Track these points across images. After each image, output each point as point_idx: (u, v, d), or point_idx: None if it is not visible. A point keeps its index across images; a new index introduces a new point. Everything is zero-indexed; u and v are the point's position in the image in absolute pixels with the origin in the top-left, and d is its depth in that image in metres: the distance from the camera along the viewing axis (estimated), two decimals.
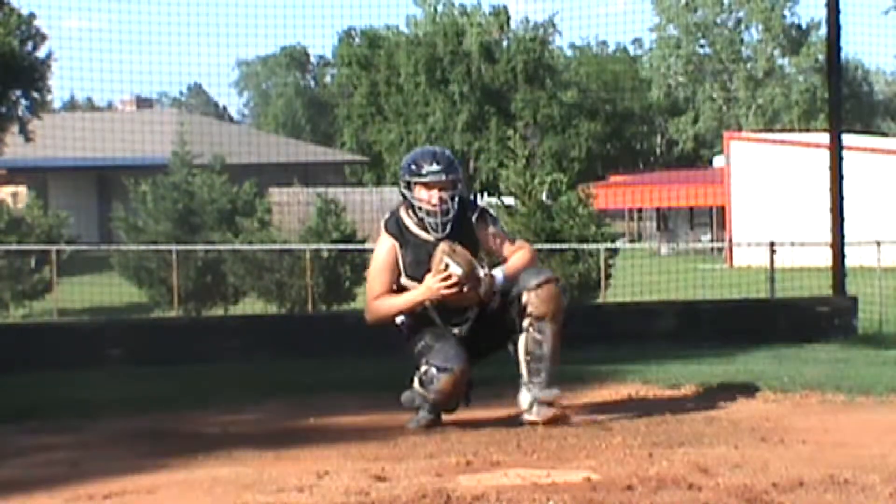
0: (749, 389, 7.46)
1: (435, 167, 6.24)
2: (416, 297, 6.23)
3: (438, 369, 6.10)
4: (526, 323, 6.18)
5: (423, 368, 6.16)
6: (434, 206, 6.20)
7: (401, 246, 6.28)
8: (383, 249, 6.34)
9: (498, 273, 6.24)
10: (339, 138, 69.52)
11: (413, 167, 6.28)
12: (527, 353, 6.19)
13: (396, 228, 6.31)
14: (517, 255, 6.36)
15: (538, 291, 6.13)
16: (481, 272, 6.17)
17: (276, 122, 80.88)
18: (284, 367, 9.56)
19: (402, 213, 6.32)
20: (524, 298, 6.16)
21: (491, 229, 6.37)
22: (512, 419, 6.27)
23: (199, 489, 4.91)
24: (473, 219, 6.32)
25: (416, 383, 6.21)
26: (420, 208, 6.23)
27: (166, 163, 30.37)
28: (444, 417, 6.38)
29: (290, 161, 47.09)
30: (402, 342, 6.40)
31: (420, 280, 6.22)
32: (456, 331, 6.27)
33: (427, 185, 6.22)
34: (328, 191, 31.64)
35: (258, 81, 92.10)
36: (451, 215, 6.21)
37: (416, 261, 6.22)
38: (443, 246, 6.15)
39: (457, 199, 6.26)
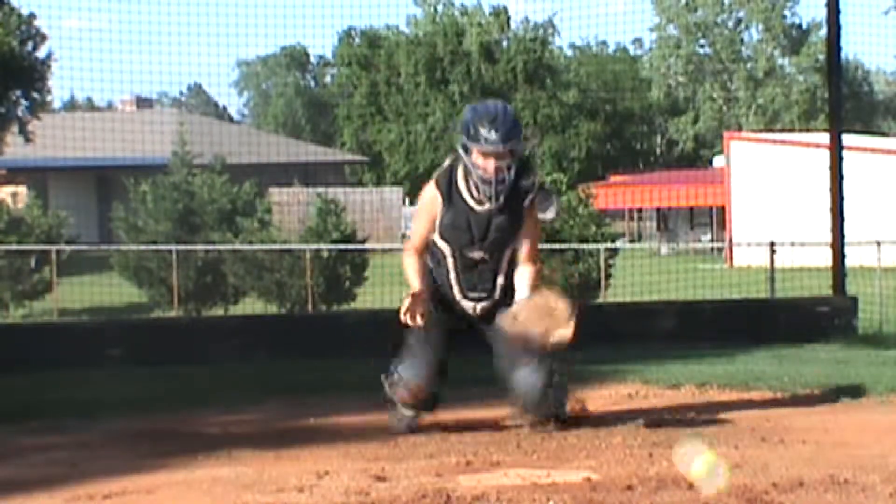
0: (749, 389, 7.46)
1: (493, 136, 5.91)
2: (412, 288, 6.08)
3: (403, 379, 6.08)
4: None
5: (394, 372, 6.15)
6: (490, 174, 5.95)
7: (444, 203, 6.07)
8: (427, 197, 6.15)
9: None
10: (339, 138, 69.49)
11: (471, 130, 5.98)
12: None
13: (447, 186, 6.07)
14: (533, 277, 6.08)
15: (531, 403, 5.99)
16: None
17: (276, 122, 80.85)
18: (284, 367, 9.56)
19: (459, 172, 6.05)
20: (516, 397, 6.05)
21: (530, 221, 6.10)
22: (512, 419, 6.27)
23: (199, 489, 4.91)
24: (527, 202, 6.04)
25: (386, 382, 6.20)
26: (475, 173, 5.99)
27: (166, 163, 30.36)
28: (440, 417, 6.39)
29: (290, 161, 47.06)
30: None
31: (451, 244, 6.06)
32: (470, 306, 6.14)
33: (484, 153, 5.96)
34: (328, 191, 31.63)
35: (258, 81, 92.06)
36: (506, 184, 5.97)
37: (454, 225, 6.05)
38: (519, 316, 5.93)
39: (513, 168, 5.97)
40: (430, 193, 6.15)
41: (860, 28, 22.64)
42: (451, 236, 6.09)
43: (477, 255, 6.07)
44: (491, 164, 5.96)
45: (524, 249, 6.13)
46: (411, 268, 6.16)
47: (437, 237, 6.14)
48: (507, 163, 5.97)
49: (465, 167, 6.03)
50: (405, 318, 5.98)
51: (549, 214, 6.17)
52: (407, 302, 5.99)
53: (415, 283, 6.10)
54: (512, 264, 6.13)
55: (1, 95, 39.03)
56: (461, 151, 6.04)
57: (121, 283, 26.58)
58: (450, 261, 6.12)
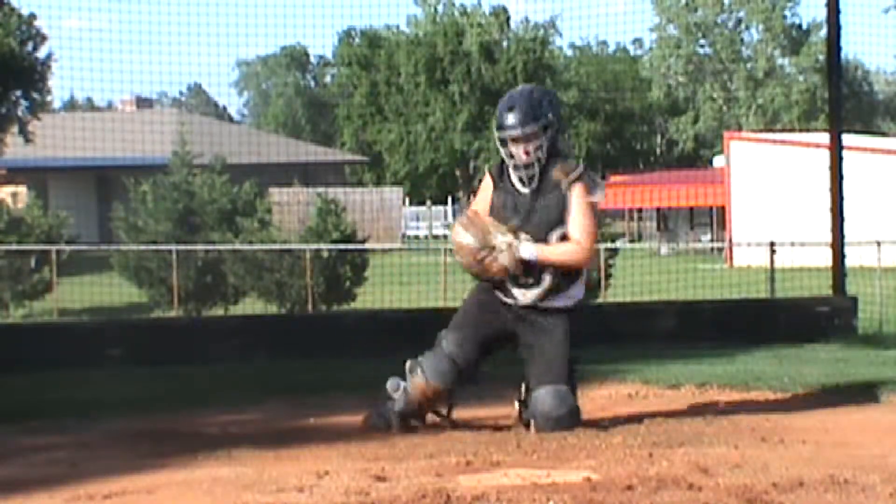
0: (749, 389, 7.46)
1: (511, 120, 6.10)
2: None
3: (419, 373, 6.10)
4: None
5: (418, 359, 6.18)
6: (521, 160, 6.09)
7: (495, 189, 6.22)
8: (483, 184, 6.34)
9: (527, 247, 6.04)
10: (339, 138, 69.51)
11: (498, 121, 6.18)
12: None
13: (499, 172, 6.25)
14: (561, 246, 6.09)
15: (545, 425, 5.98)
16: (499, 240, 6.03)
17: (276, 122, 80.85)
18: (284, 367, 9.57)
19: (506, 158, 6.20)
20: (532, 416, 6.06)
21: (575, 202, 6.11)
22: (512, 419, 6.27)
23: (199, 489, 4.91)
24: (567, 185, 6.09)
25: (408, 363, 6.23)
26: (511, 162, 6.14)
27: (166, 163, 30.36)
28: (440, 418, 6.39)
29: (290, 161, 47.09)
30: None
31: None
32: (520, 293, 6.08)
33: (512, 139, 6.10)
34: (328, 191, 31.63)
35: (258, 81, 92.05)
36: (537, 168, 6.08)
37: (502, 206, 6.16)
38: (461, 217, 6.15)
39: (544, 147, 6.07)
40: (486, 185, 6.33)
41: (860, 28, 22.62)
42: (498, 217, 6.16)
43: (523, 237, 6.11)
44: (520, 149, 6.10)
45: (571, 230, 6.12)
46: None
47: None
48: (534, 145, 6.08)
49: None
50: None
51: (596, 198, 6.20)
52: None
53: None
54: None
55: (1, 95, 39.02)
56: (499, 146, 6.18)
57: (121, 283, 26.57)
58: None
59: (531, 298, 6.11)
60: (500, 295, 6.16)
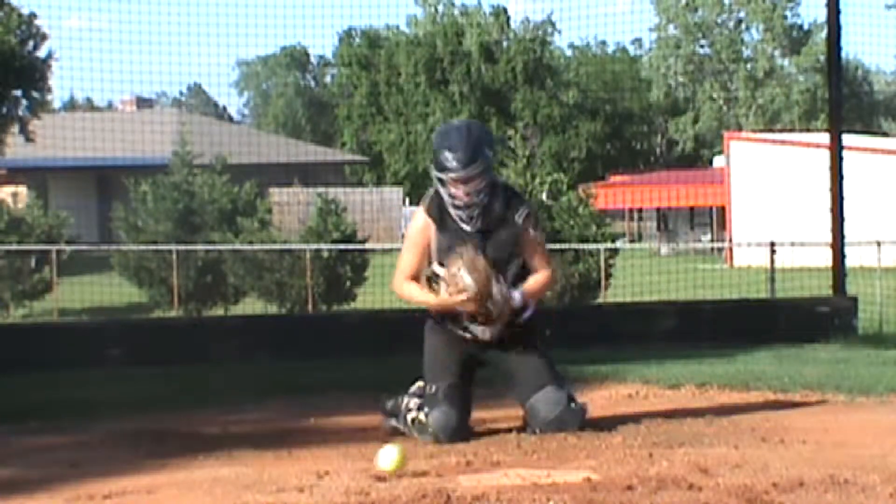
0: (749, 389, 7.46)
1: (454, 164, 5.85)
2: (429, 303, 6.06)
3: (433, 430, 5.91)
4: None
5: (421, 415, 5.99)
6: (461, 200, 5.90)
7: (438, 230, 5.99)
8: (418, 226, 6.06)
9: (516, 294, 5.95)
10: (339, 138, 69.50)
11: (438, 161, 5.93)
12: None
13: (437, 213, 6.00)
14: (535, 278, 6.05)
15: (544, 429, 5.91)
16: (496, 289, 5.88)
17: (276, 122, 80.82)
18: (284, 367, 9.57)
19: (445, 197, 5.97)
20: (528, 421, 5.98)
21: (531, 234, 6.05)
22: (512, 419, 6.26)
23: (199, 489, 4.91)
24: (519, 219, 6.00)
25: (409, 415, 6.05)
26: (451, 202, 5.94)
27: (166, 163, 30.37)
28: None
29: (290, 161, 47.05)
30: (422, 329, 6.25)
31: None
32: (480, 331, 6.00)
33: (452, 181, 5.89)
34: (328, 191, 31.63)
35: (258, 81, 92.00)
36: (480, 208, 5.92)
37: (450, 247, 5.93)
38: (466, 255, 5.86)
39: (485, 186, 5.90)
40: (421, 222, 6.07)
41: (860, 28, 22.59)
42: (446, 259, 5.97)
43: None
44: (461, 191, 5.90)
45: (533, 263, 6.07)
46: (415, 288, 6.09)
47: (436, 266, 6.03)
48: (476, 186, 5.89)
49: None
50: (454, 297, 5.89)
51: (540, 228, 6.21)
52: (449, 299, 5.92)
53: (431, 296, 6.03)
54: (516, 285, 6.03)
55: (1, 95, 38.99)
56: (438, 184, 5.98)
57: (121, 283, 26.59)
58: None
59: (491, 335, 6.02)
60: (458, 331, 6.06)
